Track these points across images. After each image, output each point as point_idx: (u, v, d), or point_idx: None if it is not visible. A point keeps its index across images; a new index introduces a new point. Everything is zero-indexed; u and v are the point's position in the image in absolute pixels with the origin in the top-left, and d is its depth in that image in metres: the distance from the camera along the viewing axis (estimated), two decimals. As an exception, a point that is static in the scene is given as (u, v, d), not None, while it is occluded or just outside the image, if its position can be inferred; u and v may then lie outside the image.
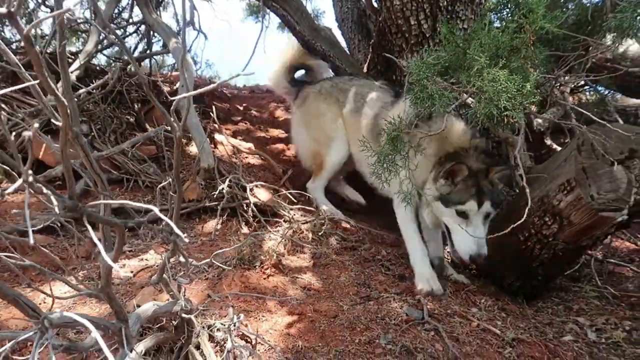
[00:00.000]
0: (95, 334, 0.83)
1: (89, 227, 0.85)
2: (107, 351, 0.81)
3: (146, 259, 2.84)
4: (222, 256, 2.81)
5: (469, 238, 2.63)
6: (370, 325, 2.22)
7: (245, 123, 5.33)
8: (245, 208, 3.42)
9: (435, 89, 1.63)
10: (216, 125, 4.37)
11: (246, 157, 4.25)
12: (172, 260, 2.72)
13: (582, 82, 3.76)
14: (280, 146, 4.87)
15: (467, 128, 2.86)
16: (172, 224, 0.91)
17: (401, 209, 2.96)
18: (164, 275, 1.50)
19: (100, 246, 0.80)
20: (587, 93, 3.68)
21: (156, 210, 0.87)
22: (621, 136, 2.15)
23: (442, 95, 1.67)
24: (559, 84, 3.67)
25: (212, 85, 1.17)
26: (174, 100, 1.20)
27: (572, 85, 3.68)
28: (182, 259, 1.39)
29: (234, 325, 1.85)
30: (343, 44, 5.00)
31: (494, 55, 1.67)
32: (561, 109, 3.36)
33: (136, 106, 4.46)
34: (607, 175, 2.23)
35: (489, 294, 2.77)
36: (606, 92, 3.38)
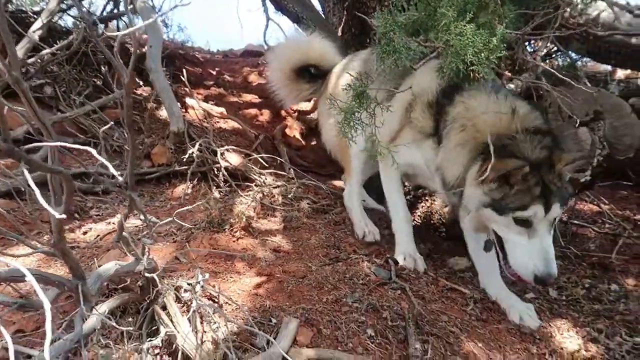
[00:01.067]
0: (35, 286, 0.80)
1: (27, 175, 0.81)
2: (42, 295, 0.78)
3: (113, 223, 2.80)
4: (191, 219, 2.79)
5: (533, 253, 2.10)
6: (338, 285, 2.24)
7: (218, 88, 5.22)
8: (216, 172, 3.39)
9: (402, 43, 1.60)
10: (187, 90, 4.27)
11: (218, 122, 4.18)
12: (139, 223, 2.69)
13: (555, 48, 3.77)
14: (253, 111, 4.80)
15: (506, 99, 2.29)
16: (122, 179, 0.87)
17: (385, 171, 2.80)
18: (125, 234, 1.47)
19: (37, 193, 0.77)
20: (559, 59, 3.69)
21: (93, 152, 0.84)
22: (587, 98, 2.17)
23: (408, 48, 1.64)
24: (532, 50, 3.68)
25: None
26: (140, 62, 1.15)
27: (544, 51, 3.69)
28: (142, 217, 1.36)
29: (200, 285, 1.84)
30: (318, 7, 4.89)
31: (462, 11, 1.64)
32: (533, 74, 3.37)
33: (103, 68, 4.31)
34: (572, 136, 2.26)
35: (459, 255, 2.81)
36: (577, 57, 3.40)
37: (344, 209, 3.30)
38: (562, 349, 2.09)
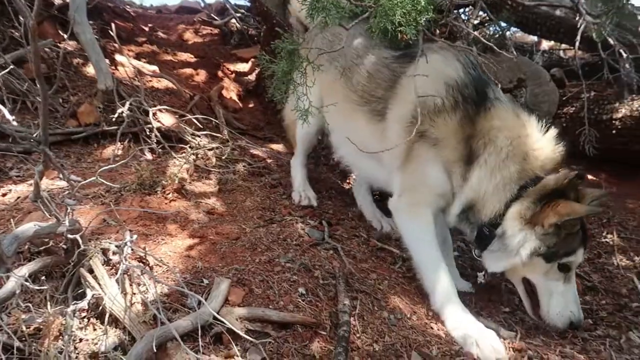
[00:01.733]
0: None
1: None
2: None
3: (36, 185, 2.65)
4: (121, 181, 2.69)
5: (569, 299, 2.05)
6: (272, 246, 2.27)
7: (151, 45, 4.98)
8: (148, 133, 3.27)
9: (331, 0, 1.58)
10: (116, 45, 4.03)
11: (150, 81, 4.00)
12: (65, 185, 2.56)
13: (487, 18, 3.87)
14: (188, 71, 4.64)
15: (533, 119, 2.11)
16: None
17: (414, 221, 2.28)
18: (43, 193, 1.40)
19: None
20: (491, 29, 3.81)
21: (4, 110, 0.78)
22: (511, 66, 2.26)
23: (338, 6, 1.62)
24: (466, 18, 3.77)
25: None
26: (62, 12, 1.06)
27: (477, 20, 3.79)
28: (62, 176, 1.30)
29: (128, 246, 1.81)
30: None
31: (393, -28, 1.64)
32: (465, 41, 3.47)
33: (22, 19, 3.98)
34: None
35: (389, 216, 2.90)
36: (506, 27, 3.52)
37: (281, 171, 3.31)
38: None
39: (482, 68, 2.18)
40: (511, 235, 2.01)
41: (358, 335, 1.82)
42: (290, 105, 2.89)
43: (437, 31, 3.27)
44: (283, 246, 2.29)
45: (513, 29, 3.73)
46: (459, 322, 1.95)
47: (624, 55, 2.82)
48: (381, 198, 3.19)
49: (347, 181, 3.42)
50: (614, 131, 3.27)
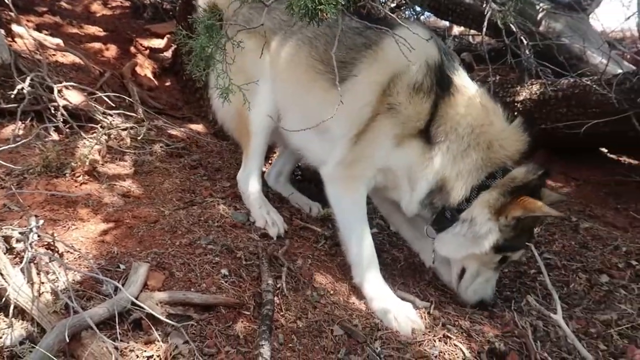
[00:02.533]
0: None
1: None
2: None
3: None
4: (24, 163, 2.49)
5: (490, 284, 2.17)
6: (193, 228, 2.22)
7: (53, 16, 4.59)
8: (53, 112, 3.03)
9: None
10: (12, 14, 3.67)
11: (54, 55, 3.70)
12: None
13: (403, 1, 3.98)
14: (97, 45, 4.34)
15: (499, 106, 2.13)
16: None
17: (347, 190, 2.25)
18: None
19: None
20: (407, 12, 3.93)
21: None
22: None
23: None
24: (383, 0, 3.84)
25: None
26: None
27: (393, 4, 3.89)
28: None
29: (34, 233, 1.68)
30: None
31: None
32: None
33: None
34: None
35: (312, 198, 2.93)
36: (421, 11, 3.65)
37: (201, 152, 3.22)
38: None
39: (450, 52, 2.20)
40: (480, 224, 2.02)
41: (282, 313, 1.84)
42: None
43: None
44: (204, 228, 2.25)
45: (427, 13, 3.87)
46: (379, 295, 2.03)
47: (525, 42, 3.03)
48: (303, 179, 3.22)
49: (269, 161, 3.40)
50: (516, 113, 3.52)
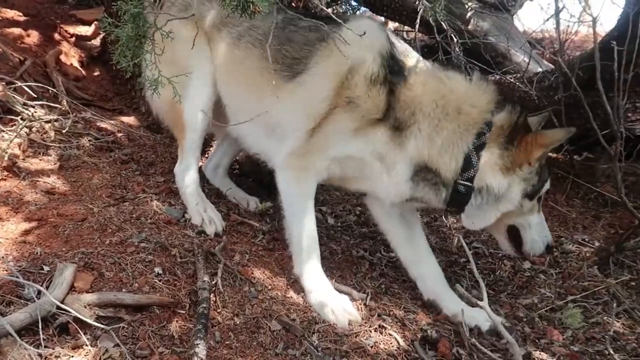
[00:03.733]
0: None
1: None
2: None
3: None
4: None
5: (544, 226, 2.15)
6: (124, 225, 2.13)
7: (-36, -3, 4.22)
8: (-34, 102, 2.80)
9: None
10: None
11: (-35, 40, 3.41)
12: None
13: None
14: (16, 31, 4.03)
15: (457, 72, 2.17)
16: None
17: (296, 172, 2.21)
18: None
19: None
20: (343, 7, 3.96)
21: None
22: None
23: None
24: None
25: None
26: None
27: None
28: None
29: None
30: None
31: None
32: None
33: None
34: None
35: (250, 192, 2.90)
36: (356, 6, 3.69)
37: (133, 146, 3.10)
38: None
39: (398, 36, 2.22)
40: (498, 186, 2.01)
41: (219, 310, 1.82)
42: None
43: (293, 5, 3.30)
44: (137, 225, 2.17)
45: (363, 8, 3.92)
46: (316, 288, 2.05)
47: (455, 39, 3.15)
48: (241, 173, 3.18)
49: (206, 155, 3.33)
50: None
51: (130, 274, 1.84)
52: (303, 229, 2.16)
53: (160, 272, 1.90)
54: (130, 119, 3.52)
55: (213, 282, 1.92)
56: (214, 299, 1.85)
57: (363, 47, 2.05)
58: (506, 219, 2.11)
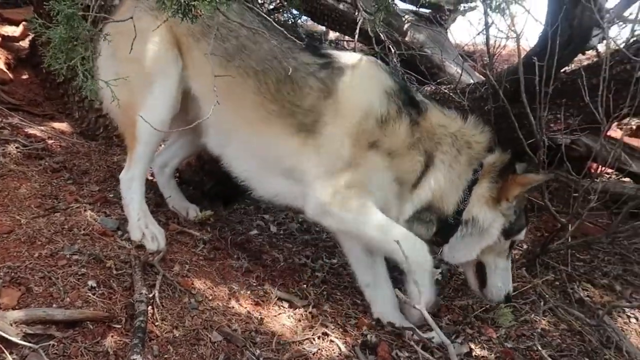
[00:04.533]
0: None
1: None
2: None
3: None
4: None
5: (508, 274, 2.23)
6: (55, 237, 2.03)
7: None
8: None
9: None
10: None
11: None
12: None
13: (281, 4, 4.03)
14: None
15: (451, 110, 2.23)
16: None
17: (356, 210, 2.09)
18: None
19: None
20: (284, 15, 3.99)
21: None
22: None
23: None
24: (262, 3, 3.86)
25: None
26: None
27: (271, 6, 3.93)
28: None
29: None
30: None
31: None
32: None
33: None
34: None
35: (190, 201, 2.84)
36: (298, 15, 3.73)
37: (65, 153, 2.96)
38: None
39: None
40: (482, 218, 2.10)
41: (157, 323, 1.77)
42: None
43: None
44: (69, 237, 2.08)
45: (304, 17, 3.97)
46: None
47: (393, 50, 3.26)
48: (181, 181, 3.11)
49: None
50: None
51: (61, 288, 1.75)
52: (405, 237, 2.03)
53: (94, 285, 1.82)
54: (62, 125, 3.37)
55: (151, 294, 1.87)
56: (152, 311, 1.80)
57: (367, 91, 2.08)
58: (481, 257, 2.19)
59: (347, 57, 2.21)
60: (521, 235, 2.23)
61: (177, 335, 1.75)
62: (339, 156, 2.07)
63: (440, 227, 2.15)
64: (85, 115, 3.34)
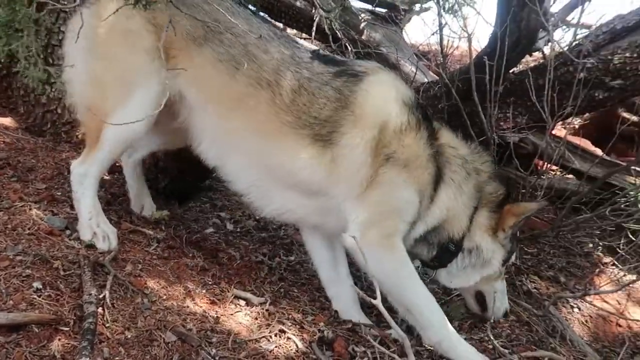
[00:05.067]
0: None
1: None
2: None
3: None
4: None
5: (505, 293, 2.29)
6: (-4, 238, 1.94)
7: None
8: None
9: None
10: None
11: None
12: None
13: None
14: None
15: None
16: None
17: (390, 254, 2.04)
18: None
19: None
20: (243, 10, 3.95)
21: None
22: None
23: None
24: None
25: None
26: None
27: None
28: None
29: None
30: None
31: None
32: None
33: None
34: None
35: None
36: (254, 12, 3.70)
37: (8, 149, 2.81)
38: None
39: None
40: (485, 249, 2.13)
41: (108, 325, 1.72)
42: (80, 79, 2.10)
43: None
44: (12, 237, 1.98)
45: (261, 13, 3.94)
46: (467, 355, 1.97)
47: (349, 48, 3.29)
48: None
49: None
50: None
51: (3, 290, 1.67)
52: (422, 298, 2.02)
53: (40, 287, 1.75)
54: (5, 120, 3.20)
55: (101, 295, 1.81)
56: (103, 313, 1.75)
57: (385, 103, 2.04)
58: (479, 283, 2.23)
59: (361, 65, 2.18)
60: (513, 259, 2.30)
61: (128, 336, 1.70)
62: (359, 168, 2.01)
63: (440, 252, 2.16)
64: (31, 110, 3.19)
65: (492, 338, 2.12)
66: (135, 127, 1.96)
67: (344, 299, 2.26)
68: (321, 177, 2.04)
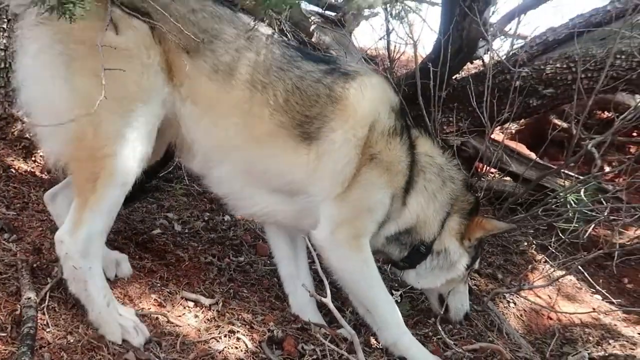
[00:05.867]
0: None
1: None
2: None
3: None
4: None
5: (466, 296, 2.39)
6: None
7: None
8: None
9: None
10: None
11: None
12: None
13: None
14: None
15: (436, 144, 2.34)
16: None
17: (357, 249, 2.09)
18: None
19: None
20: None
21: None
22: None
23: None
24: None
25: None
26: None
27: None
28: None
29: None
30: None
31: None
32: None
33: None
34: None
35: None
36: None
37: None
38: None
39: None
40: (453, 252, 2.24)
41: (48, 329, 1.65)
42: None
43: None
44: None
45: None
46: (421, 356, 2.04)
47: (300, 50, 3.32)
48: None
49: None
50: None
51: None
52: (383, 299, 2.10)
53: (-27, 292, 1.65)
54: None
55: (41, 299, 1.73)
56: (42, 317, 1.67)
57: (375, 103, 2.06)
58: (444, 285, 2.33)
59: (352, 65, 2.23)
60: (476, 265, 2.42)
61: (71, 341, 1.64)
62: (344, 166, 2.02)
63: (411, 252, 2.24)
64: None
65: (443, 335, 2.23)
66: (146, 150, 1.79)
67: (301, 296, 2.28)
68: (306, 175, 2.04)
